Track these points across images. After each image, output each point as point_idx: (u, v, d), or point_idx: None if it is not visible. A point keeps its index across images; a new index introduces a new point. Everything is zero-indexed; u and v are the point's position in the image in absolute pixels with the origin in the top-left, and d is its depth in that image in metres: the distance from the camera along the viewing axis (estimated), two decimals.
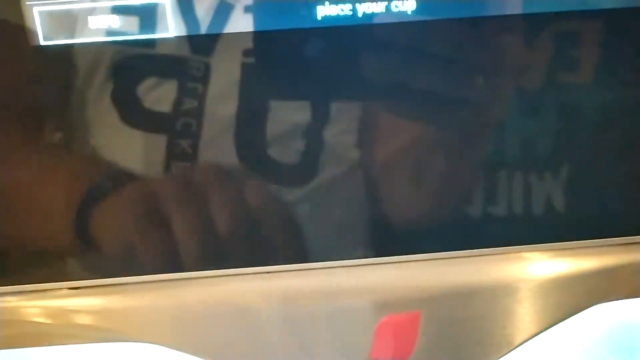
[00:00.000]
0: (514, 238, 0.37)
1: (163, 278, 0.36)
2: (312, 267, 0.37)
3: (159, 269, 0.36)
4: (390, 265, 0.38)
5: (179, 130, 0.37)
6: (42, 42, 0.29)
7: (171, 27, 0.30)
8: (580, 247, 0.37)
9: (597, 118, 0.35)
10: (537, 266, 0.37)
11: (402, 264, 0.38)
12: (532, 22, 0.31)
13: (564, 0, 0.31)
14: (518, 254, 0.37)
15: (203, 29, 0.30)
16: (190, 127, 0.37)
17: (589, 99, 0.34)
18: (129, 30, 0.30)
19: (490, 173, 0.37)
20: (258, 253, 0.37)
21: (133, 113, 0.35)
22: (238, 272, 0.37)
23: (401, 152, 0.37)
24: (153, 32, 0.30)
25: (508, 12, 0.31)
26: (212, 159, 0.37)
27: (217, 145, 0.36)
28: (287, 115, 0.37)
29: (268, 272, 0.37)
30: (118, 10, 0.29)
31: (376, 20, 0.30)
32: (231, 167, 0.37)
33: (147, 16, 0.29)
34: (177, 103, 0.35)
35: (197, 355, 0.37)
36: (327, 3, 0.30)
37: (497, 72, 0.33)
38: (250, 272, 0.37)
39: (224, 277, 0.37)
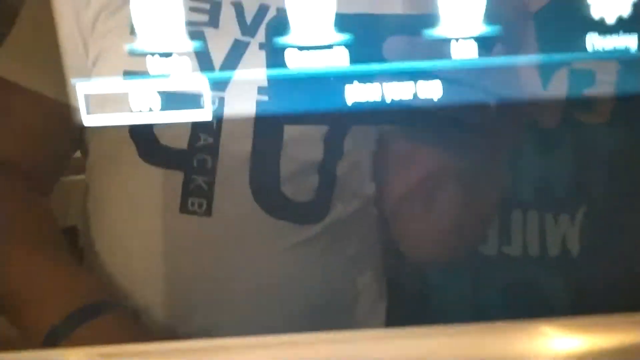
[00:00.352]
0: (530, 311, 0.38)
1: None
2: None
3: None
4: (403, 336, 0.38)
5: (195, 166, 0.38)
6: (85, 120, 0.31)
7: (208, 109, 0.31)
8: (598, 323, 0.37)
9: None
10: (554, 341, 0.37)
11: (416, 334, 0.38)
12: None
13: None
14: (535, 328, 0.38)
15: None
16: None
17: None
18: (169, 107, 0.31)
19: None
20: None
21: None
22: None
23: None
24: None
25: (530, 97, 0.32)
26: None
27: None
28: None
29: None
30: (160, 93, 0.31)
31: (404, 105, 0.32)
32: None
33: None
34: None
35: None
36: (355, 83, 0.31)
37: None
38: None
39: None
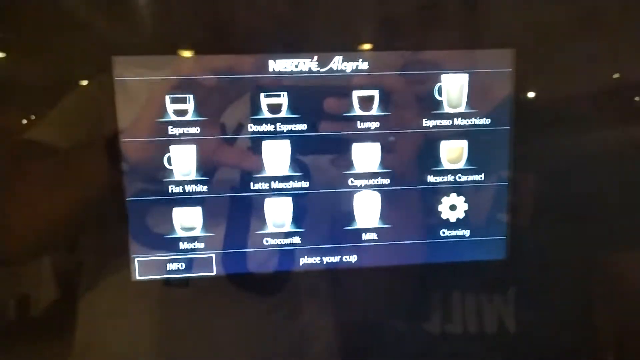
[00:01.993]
0: None
1: None
2: None
3: None
4: None
5: None
6: (137, 278, 0.50)
7: (215, 270, 0.51)
8: None
9: None
10: None
11: None
12: None
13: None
14: None
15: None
16: None
17: None
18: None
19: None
20: None
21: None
22: None
23: None
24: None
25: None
26: None
27: None
28: None
29: None
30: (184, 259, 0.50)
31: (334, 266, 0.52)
32: None
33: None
34: None
35: None
36: (305, 256, 0.52)
37: None
38: None
39: None
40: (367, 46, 0.49)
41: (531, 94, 0.51)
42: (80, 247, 0.51)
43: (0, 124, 0.48)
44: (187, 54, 0.48)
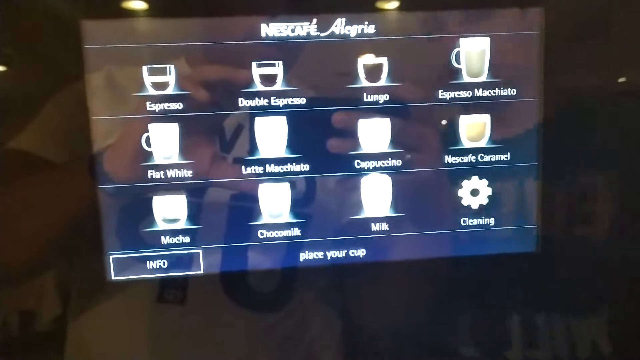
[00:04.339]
0: None
1: None
2: None
3: None
4: None
5: None
6: (113, 278, 0.44)
7: (202, 267, 0.44)
8: None
9: None
10: None
11: None
12: None
13: None
14: None
15: None
16: None
17: None
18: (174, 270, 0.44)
19: None
20: None
21: None
22: None
23: None
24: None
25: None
26: None
27: None
28: None
29: None
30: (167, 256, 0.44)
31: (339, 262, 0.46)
32: None
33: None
34: None
35: None
36: (306, 251, 0.45)
37: None
38: None
39: None
40: (373, 6, 0.43)
41: (563, 60, 0.44)
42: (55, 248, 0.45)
43: None
44: (166, 17, 0.42)
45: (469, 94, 0.44)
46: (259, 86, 0.42)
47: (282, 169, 0.44)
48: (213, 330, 0.48)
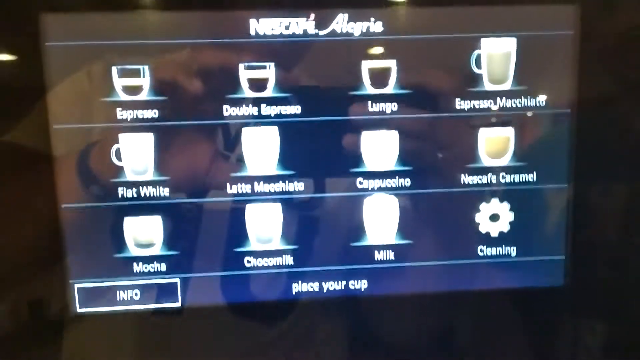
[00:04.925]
0: None
1: None
2: None
3: None
4: None
5: None
6: (78, 311, 0.38)
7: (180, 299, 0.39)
8: None
9: None
10: None
11: None
12: None
13: None
14: None
15: None
16: None
17: None
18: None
19: None
20: None
21: None
22: None
23: None
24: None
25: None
26: None
27: None
28: None
29: None
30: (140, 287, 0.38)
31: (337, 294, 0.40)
32: None
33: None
34: None
35: None
36: (300, 282, 0.39)
37: None
38: None
39: None
40: (381, 1, 0.37)
41: (600, 65, 0.38)
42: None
43: None
44: (140, 10, 0.36)
45: (491, 103, 0.38)
46: (247, 92, 0.37)
47: (272, 187, 0.38)
48: (212, 344, 0.43)
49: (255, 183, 0.38)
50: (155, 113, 0.36)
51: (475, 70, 0.37)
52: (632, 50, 0.38)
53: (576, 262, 0.40)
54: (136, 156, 0.37)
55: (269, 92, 0.37)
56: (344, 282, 0.40)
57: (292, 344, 0.43)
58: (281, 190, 0.38)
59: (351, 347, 0.41)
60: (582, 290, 0.41)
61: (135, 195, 0.37)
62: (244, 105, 0.37)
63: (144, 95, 0.36)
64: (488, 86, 0.38)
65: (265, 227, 0.38)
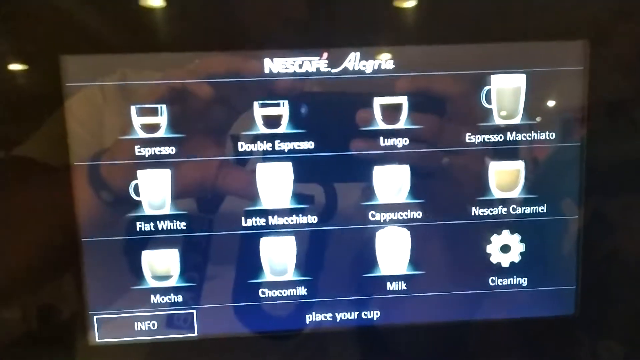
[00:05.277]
0: None
1: None
2: None
3: None
4: None
5: None
6: (97, 341, 0.39)
7: (197, 329, 0.40)
8: None
9: None
10: None
11: None
12: None
13: None
14: None
15: None
16: None
17: None
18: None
19: None
20: None
21: None
22: None
23: None
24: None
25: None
26: None
27: None
28: None
29: None
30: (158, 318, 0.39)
31: (350, 324, 0.40)
32: None
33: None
34: None
35: None
36: (313, 312, 0.40)
37: None
38: None
39: None
40: (392, 39, 0.38)
41: (609, 100, 0.39)
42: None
43: None
44: (157, 51, 0.37)
45: (501, 137, 0.39)
46: (261, 129, 0.38)
47: (286, 220, 0.39)
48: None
49: (270, 216, 0.39)
50: (172, 150, 0.37)
51: (486, 105, 0.38)
52: None
53: (587, 291, 0.40)
54: (154, 191, 0.38)
55: (283, 128, 0.38)
56: (356, 312, 0.41)
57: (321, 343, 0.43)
58: (295, 223, 0.39)
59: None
60: (594, 319, 0.41)
61: (152, 229, 0.38)
62: (258, 142, 0.38)
63: (161, 133, 0.37)
64: (498, 121, 0.38)
65: (279, 259, 0.39)
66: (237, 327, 0.40)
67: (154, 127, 0.37)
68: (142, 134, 0.37)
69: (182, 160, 0.37)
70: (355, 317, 0.41)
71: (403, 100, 0.38)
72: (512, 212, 0.39)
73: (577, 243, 0.40)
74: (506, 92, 0.38)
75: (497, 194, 0.39)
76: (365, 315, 0.41)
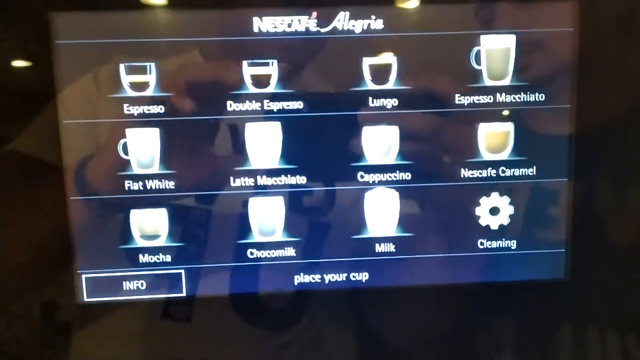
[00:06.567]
0: None
1: None
2: None
3: None
4: None
5: None
6: (85, 300, 0.39)
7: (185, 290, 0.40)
8: None
9: None
10: None
11: None
12: None
13: None
14: None
15: None
16: None
17: None
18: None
19: None
20: None
21: None
22: None
23: None
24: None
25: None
26: None
27: None
28: None
29: None
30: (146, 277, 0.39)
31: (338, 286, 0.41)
32: None
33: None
34: None
35: None
36: (302, 274, 0.40)
37: None
38: None
39: None
40: None
41: (600, 62, 0.39)
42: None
43: None
44: (146, 8, 0.37)
45: (490, 99, 0.38)
46: (250, 88, 0.37)
47: (275, 181, 0.39)
48: (222, 350, 0.44)
49: (258, 176, 0.39)
50: (161, 108, 0.37)
51: (475, 66, 0.38)
52: (630, 47, 0.39)
53: (577, 255, 0.40)
54: (142, 150, 0.38)
55: (272, 88, 0.38)
56: (345, 274, 0.41)
57: (300, 348, 0.44)
58: (283, 183, 0.39)
59: (352, 339, 0.42)
60: (583, 284, 0.41)
61: (141, 189, 0.38)
62: (247, 101, 0.38)
63: (149, 92, 0.37)
64: (487, 82, 0.38)
65: (267, 219, 0.39)
66: (225, 287, 0.40)
67: (143, 86, 0.38)
68: (130, 92, 0.37)
69: (170, 119, 0.38)
70: (344, 278, 0.41)
71: (392, 60, 0.38)
72: (501, 174, 0.39)
73: (567, 206, 0.40)
74: (496, 53, 0.38)
75: (486, 155, 0.39)
76: (354, 277, 0.41)
